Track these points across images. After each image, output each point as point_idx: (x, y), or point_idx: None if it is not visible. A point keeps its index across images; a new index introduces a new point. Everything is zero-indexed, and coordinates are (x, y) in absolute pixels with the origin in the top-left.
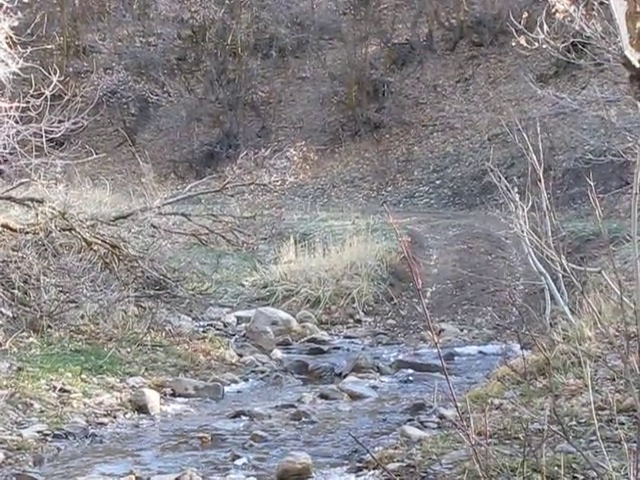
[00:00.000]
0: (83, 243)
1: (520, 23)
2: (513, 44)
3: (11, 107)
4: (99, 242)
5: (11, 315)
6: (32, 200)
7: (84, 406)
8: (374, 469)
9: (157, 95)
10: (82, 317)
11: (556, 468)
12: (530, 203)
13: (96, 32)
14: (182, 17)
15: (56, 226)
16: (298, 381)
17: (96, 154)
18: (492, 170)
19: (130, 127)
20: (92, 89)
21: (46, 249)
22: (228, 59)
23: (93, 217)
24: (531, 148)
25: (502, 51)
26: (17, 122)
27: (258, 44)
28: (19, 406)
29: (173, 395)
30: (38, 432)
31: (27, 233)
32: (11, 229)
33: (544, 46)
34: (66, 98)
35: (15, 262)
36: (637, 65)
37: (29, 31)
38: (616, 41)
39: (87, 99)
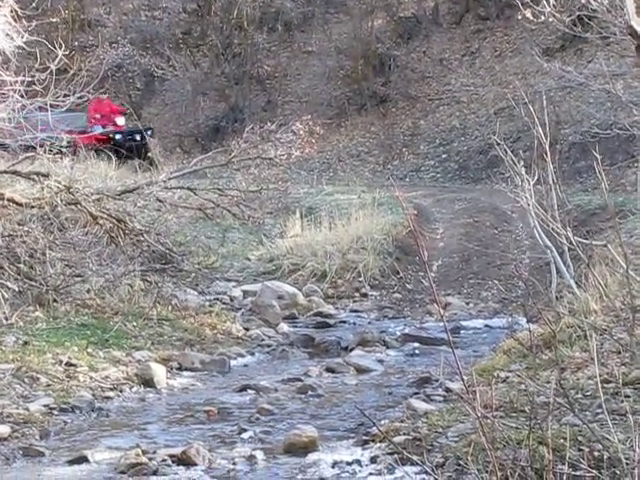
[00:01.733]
0: (89, 217)
1: None
2: (519, 17)
3: (16, 81)
4: (105, 216)
5: (17, 289)
6: (38, 174)
7: (90, 380)
8: (380, 442)
9: (162, 69)
10: (88, 291)
11: (562, 441)
12: (536, 177)
13: (101, 6)
14: None
15: (62, 200)
16: (304, 355)
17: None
18: (498, 144)
19: (136, 101)
20: (97, 63)
21: (52, 223)
22: (234, 33)
23: (99, 191)
24: (537, 122)
25: (508, 24)
26: (22, 96)
27: (264, 18)
28: (25, 380)
29: (179, 369)
30: (44, 406)
31: (33, 207)
32: (17, 203)
33: (550, 19)
34: (71, 72)
35: (21, 236)
36: None
37: (34, 5)
38: (622, 14)
39: (92, 73)
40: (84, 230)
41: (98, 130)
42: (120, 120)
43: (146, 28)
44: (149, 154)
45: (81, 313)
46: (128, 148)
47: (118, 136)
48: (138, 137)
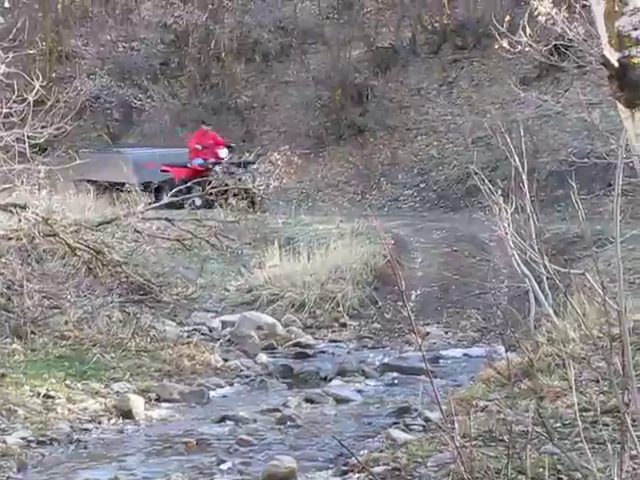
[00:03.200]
0: (67, 249)
1: (503, 26)
2: (496, 47)
3: None
4: (83, 247)
5: None
6: (15, 206)
7: (68, 412)
8: (359, 472)
9: (140, 100)
10: (66, 323)
11: (541, 470)
12: (514, 205)
13: (79, 37)
14: (165, 22)
15: (39, 232)
16: (283, 385)
17: (80, 160)
18: (476, 173)
19: (114, 132)
20: (75, 94)
21: (29, 255)
22: (211, 64)
23: (77, 222)
24: (515, 151)
25: (485, 54)
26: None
27: (241, 49)
28: (3, 412)
29: (158, 400)
30: (22, 438)
31: (10, 239)
32: None
33: (527, 49)
34: (49, 103)
35: None
36: (615, 64)
37: (11, 36)
38: (598, 44)
39: (70, 104)
40: (62, 261)
41: (198, 163)
42: (223, 152)
43: (124, 59)
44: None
45: (59, 345)
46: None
47: (217, 168)
48: (240, 171)
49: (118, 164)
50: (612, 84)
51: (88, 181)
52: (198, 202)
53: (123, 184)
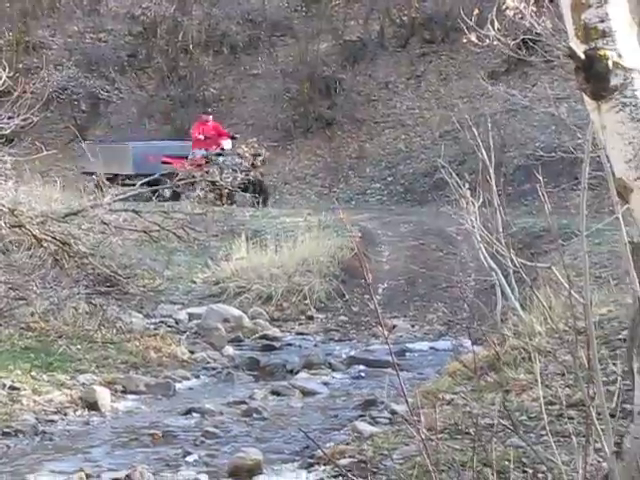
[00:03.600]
0: (33, 240)
1: (471, 20)
2: (464, 41)
3: None
4: (49, 239)
5: None
6: None
7: (34, 403)
8: (325, 465)
9: (108, 92)
10: (32, 314)
11: (506, 462)
12: (481, 199)
13: (46, 28)
14: (133, 13)
15: (5, 223)
16: (250, 378)
17: (46, 151)
18: (443, 167)
19: (81, 124)
20: (42, 85)
21: None
22: (179, 56)
23: (43, 214)
24: (482, 145)
25: (453, 48)
26: None
27: (209, 41)
28: None
29: (124, 392)
30: None
31: None
32: None
33: (495, 43)
34: (15, 94)
35: None
36: (582, 56)
37: None
38: (566, 38)
39: (37, 95)
40: (28, 253)
41: (200, 154)
42: (227, 144)
43: (91, 50)
44: (263, 188)
45: (25, 336)
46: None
47: (221, 159)
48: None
49: (122, 156)
50: (578, 76)
51: (91, 174)
52: (167, 194)
53: (127, 177)
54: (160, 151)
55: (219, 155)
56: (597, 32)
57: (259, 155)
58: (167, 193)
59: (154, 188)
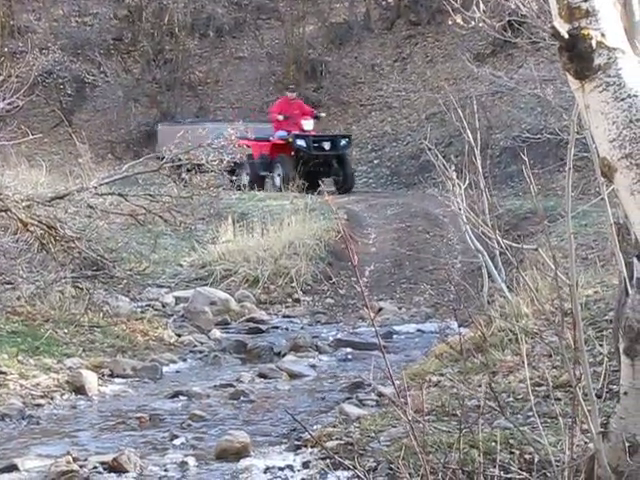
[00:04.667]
0: (19, 224)
1: (456, 2)
2: (450, 23)
3: None
4: (35, 223)
5: None
6: None
7: (20, 388)
8: (312, 447)
9: (93, 75)
10: (18, 298)
11: (493, 444)
12: (467, 181)
13: (31, 12)
14: None
15: None
16: (237, 360)
17: (32, 135)
18: (430, 149)
19: (67, 108)
20: (27, 69)
21: None
22: (165, 39)
23: (29, 198)
24: (468, 127)
25: (439, 30)
26: None
27: (195, 24)
28: None
29: (111, 376)
30: None
31: None
32: None
33: (480, 25)
34: (1, 78)
35: None
36: (566, 36)
37: None
38: (551, 20)
39: (22, 79)
40: (14, 237)
41: (279, 136)
42: (308, 124)
43: (77, 34)
44: (347, 172)
45: (11, 320)
46: (315, 161)
47: (300, 142)
48: (327, 146)
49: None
50: (562, 56)
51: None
52: (278, 181)
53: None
54: (239, 133)
55: (297, 137)
56: (581, 12)
57: (345, 137)
58: (245, 179)
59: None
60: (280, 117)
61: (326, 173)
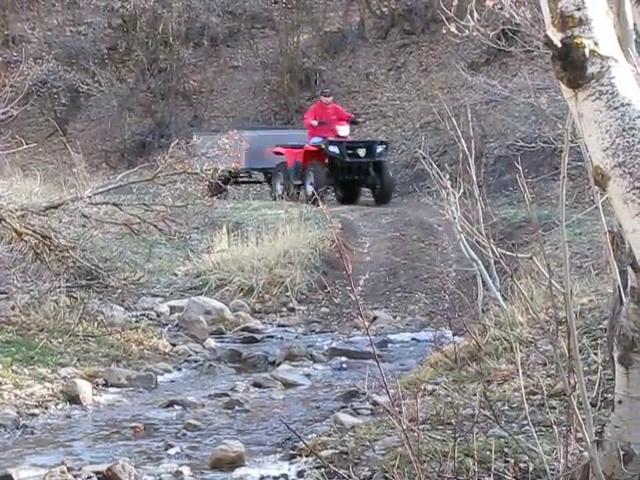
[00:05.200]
0: (13, 234)
1: (451, 11)
2: (444, 32)
3: None
4: (30, 232)
5: None
6: None
7: (15, 397)
8: (307, 456)
9: (88, 85)
10: (13, 308)
11: (488, 452)
12: (462, 190)
13: (25, 21)
14: (112, 6)
15: None
16: (231, 370)
17: (26, 144)
18: (424, 157)
19: (61, 117)
20: (22, 79)
21: None
22: (159, 48)
23: (23, 207)
24: (462, 135)
25: (433, 39)
26: None
27: (190, 33)
28: None
29: (105, 385)
30: None
31: None
32: None
33: (475, 34)
34: None
35: None
36: (559, 45)
37: None
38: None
39: (17, 89)
40: (9, 246)
41: (313, 143)
42: (343, 129)
43: (71, 44)
44: (385, 181)
45: (6, 330)
46: (349, 168)
47: (333, 148)
48: (362, 153)
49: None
50: (555, 64)
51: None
52: (309, 190)
53: (238, 174)
54: (275, 140)
55: (331, 144)
56: (574, 20)
57: (382, 144)
58: (279, 189)
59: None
60: (314, 122)
61: (362, 182)
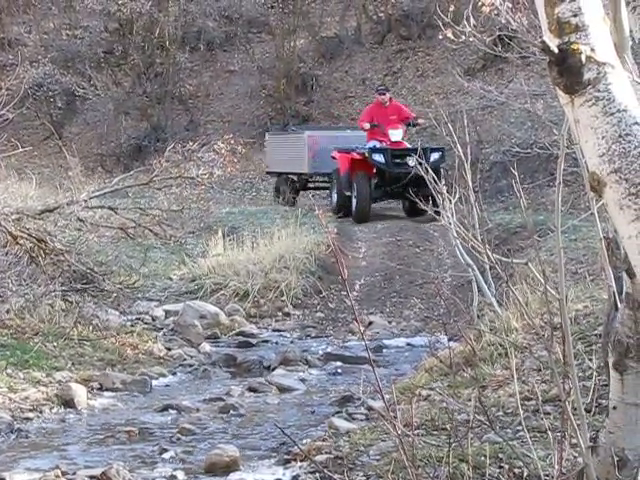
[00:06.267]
0: (9, 237)
1: (447, 17)
2: (440, 38)
3: None
4: (25, 236)
5: None
6: None
7: (9, 401)
8: (302, 461)
9: (84, 88)
10: (8, 312)
11: (482, 458)
12: (458, 195)
13: (22, 25)
14: (109, 10)
15: None
16: (226, 374)
17: (22, 148)
18: (420, 163)
19: (57, 121)
20: (18, 82)
21: None
22: (156, 52)
23: (19, 211)
24: (458, 141)
25: (430, 45)
26: None
27: (186, 37)
28: None
29: (100, 389)
30: None
31: None
32: None
33: (471, 39)
34: None
35: None
36: (555, 51)
37: None
38: (541, 34)
39: (13, 92)
40: (4, 250)
41: (369, 147)
42: (395, 134)
43: (67, 47)
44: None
45: (0, 334)
46: (397, 180)
47: (377, 157)
48: (411, 162)
49: (298, 150)
50: (552, 70)
51: (279, 175)
52: (354, 204)
53: (301, 179)
54: (343, 142)
55: (375, 151)
56: (570, 26)
57: (438, 150)
58: (334, 199)
59: (128, 186)
60: (366, 125)
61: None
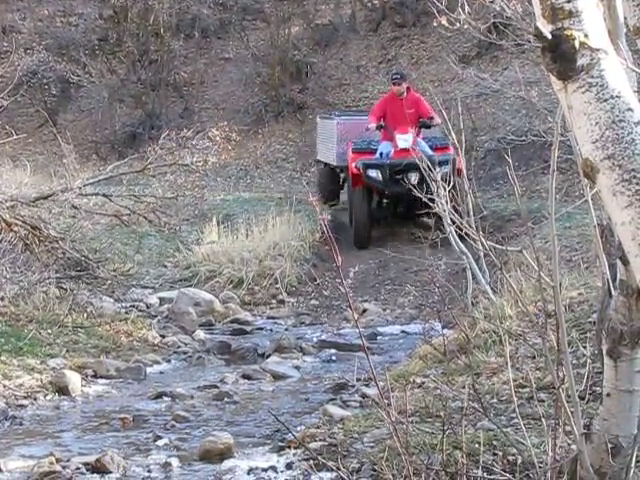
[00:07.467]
0: (3, 224)
1: (442, 4)
2: (435, 25)
3: None
4: (19, 223)
5: None
6: None
7: (4, 388)
8: (296, 448)
9: (78, 76)
10: (2, 299)
11: (476, 445)
12: (452, 183)
13: (16, 12)
14: None
15: None
16: (221, 362)
17: (16, 135)
18: (415, 150)
19: (51, 108)
20: (12, 69)
21: None
22: (150, 40)
23: (13, 198)
24: (453, 128)
25: (424, 32)
26: None
27: (180, 25)
28: None
29: (95, 376)
30: None
31: None
32: None
33: (465, 27)
34: None
35: None
36: (549, 37)
37: None
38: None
39: (7, 79)
40: None
41: (381, 150)
42: (404, 140)
43: (62, 34)
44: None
45: None
46: (397, 200)
47: (372, 173)
48: (413, 177)
49: (329, 138)
50: (545, 56)
51: (325, 165)
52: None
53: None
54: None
55: (369, 166)
56: (564, 12)
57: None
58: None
59: (122, 173)
60: (371, 126)
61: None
